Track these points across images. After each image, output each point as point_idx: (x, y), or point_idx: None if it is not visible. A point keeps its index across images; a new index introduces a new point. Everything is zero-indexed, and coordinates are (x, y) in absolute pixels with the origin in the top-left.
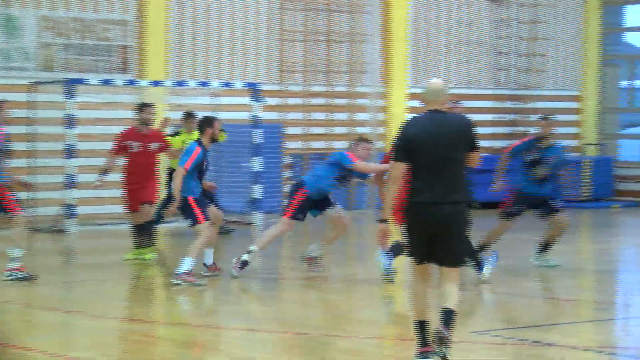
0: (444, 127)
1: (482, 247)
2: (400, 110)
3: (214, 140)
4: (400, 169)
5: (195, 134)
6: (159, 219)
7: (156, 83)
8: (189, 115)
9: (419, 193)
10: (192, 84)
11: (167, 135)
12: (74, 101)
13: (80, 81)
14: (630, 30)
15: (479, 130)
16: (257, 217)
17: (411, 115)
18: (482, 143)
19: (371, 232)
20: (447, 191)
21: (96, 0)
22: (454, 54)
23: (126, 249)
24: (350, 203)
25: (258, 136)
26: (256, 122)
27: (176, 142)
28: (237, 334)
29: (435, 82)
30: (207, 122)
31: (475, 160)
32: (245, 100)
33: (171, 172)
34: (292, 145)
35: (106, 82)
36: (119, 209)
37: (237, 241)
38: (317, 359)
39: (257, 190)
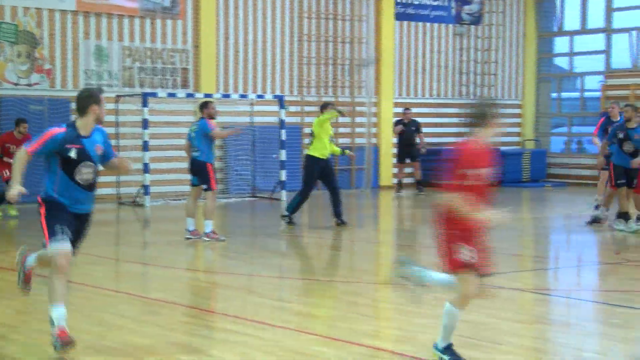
0: None
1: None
2: (389, 115)
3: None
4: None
5: None
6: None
7: (208, 95)
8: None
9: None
10: (235, 96)
11: None
12: (148, 109)
13: (152, 94)
14: (559, 56)
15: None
16: (283, 194)
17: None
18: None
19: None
20: None
21: (163, 34)
22: (427, 74)
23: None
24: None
25: (283, 135)
26: (282, 125)
27: None
28: (271, 281)
29: None
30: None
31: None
32: (274, 107)
33: None
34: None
35: (171, 95)
36: (183, 188)
37: (271, 211)
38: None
39: (283, 175)
